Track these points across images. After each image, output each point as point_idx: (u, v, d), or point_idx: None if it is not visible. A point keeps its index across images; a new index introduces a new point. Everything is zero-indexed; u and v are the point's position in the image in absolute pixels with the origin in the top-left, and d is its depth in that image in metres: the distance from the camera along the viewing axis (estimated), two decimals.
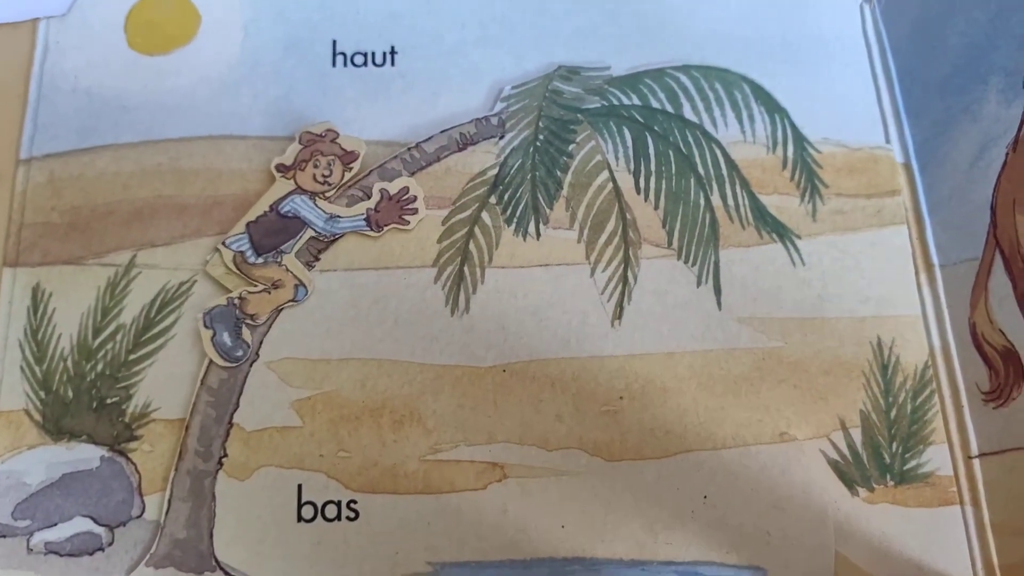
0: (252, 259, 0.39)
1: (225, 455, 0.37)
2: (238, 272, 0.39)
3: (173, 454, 0.37)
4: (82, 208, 0.41)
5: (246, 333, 0.38)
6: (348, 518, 0.37)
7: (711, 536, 0.37)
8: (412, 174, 0.41)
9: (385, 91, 0.43)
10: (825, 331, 0.40)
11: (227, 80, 0.43)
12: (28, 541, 0.37)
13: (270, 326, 0.39)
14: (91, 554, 0.36)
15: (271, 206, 0.40)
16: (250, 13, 0.44)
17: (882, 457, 0.38)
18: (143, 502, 0.37)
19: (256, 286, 0.39)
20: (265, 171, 0.41)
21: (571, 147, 0.42)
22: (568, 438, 0.38)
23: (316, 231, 0.40)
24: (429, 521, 0.37)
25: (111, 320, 0.39)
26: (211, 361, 0.38)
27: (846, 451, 0.39)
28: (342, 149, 0.41)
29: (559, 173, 0.42)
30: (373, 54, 0.44)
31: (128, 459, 0.37)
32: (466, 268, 0.40)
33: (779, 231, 0.41)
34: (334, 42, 0.44)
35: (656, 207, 0.42)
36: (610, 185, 0.42)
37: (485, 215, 0.41)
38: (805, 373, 0.39)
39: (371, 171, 0.41)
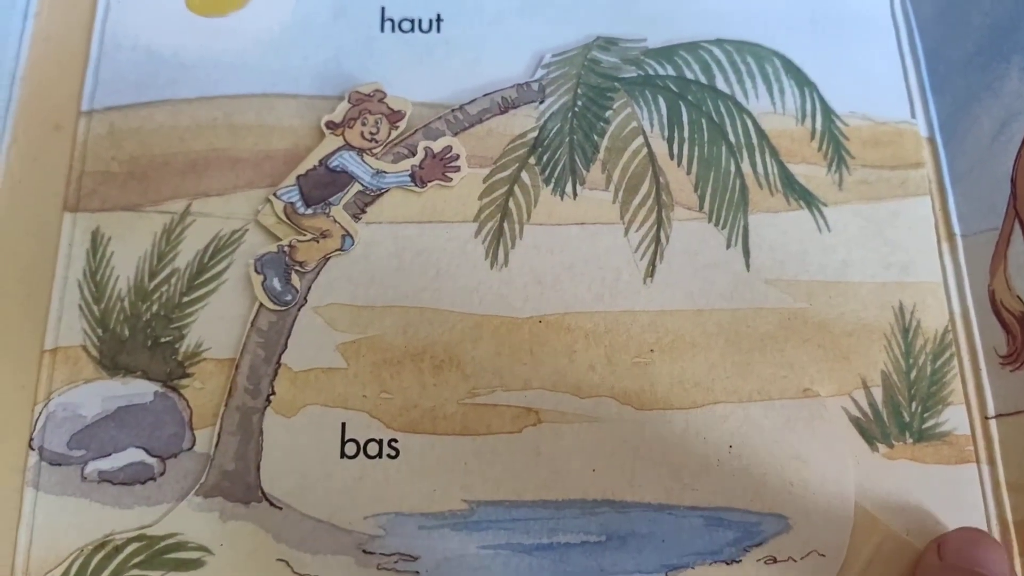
0: (302, 210, 0.41)
1: (273, 393, 0.39)
2: (288, 222, 0.41)
3: (223, 391, 0.39)
4: (140, 158, 0.43)
5: (295, 279, 0.40)
6: (389, 456, 0.38)
7: (735, 484, 0.38)
8: (455, 134, 0.43)
9: (430, 56, 0.45)
10: (849, 294, 0.41)
11: (279, 42, 0.45)
12: (83, 470, 0.38)
13: (318, 273, 0.41)
14: (143, 483, 0.38)
15: (320, 160, 0.42)
16: None
17: (902, 416, 0.40)
18: (193, 435, 0.39)
19: (305, 235, 0.41)
20: (314, 128, 0.43)
21: (608, 113, 0.44)
22: (600, 387, 0.40)
23: (363, 185, 0.41)
24: (466, 461, 0.38)
25: (166, 264, 0.41)
26: (261, 304, 0.40)
27: (867, 409, 0.40)
28: (389, 108, 0.42)
29: (596, 137, 0.44)
30: (420, 21, 0.46)
31: (180, 395, 0.39)
32: (505, 224, 0.42)
33: (806, 198, 0.43)
34: (383, 9, 0.46)
35: (688, 172, 0.43)
36: (645, 150, 0.43)
37: (524, 175, 0.43)
38: (829, 333, 0.41)
39: (416, 130, 0.43)
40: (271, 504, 0.38)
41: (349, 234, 0.41)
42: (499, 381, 0.39)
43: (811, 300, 0.41)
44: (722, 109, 0.44)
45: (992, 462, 0.39)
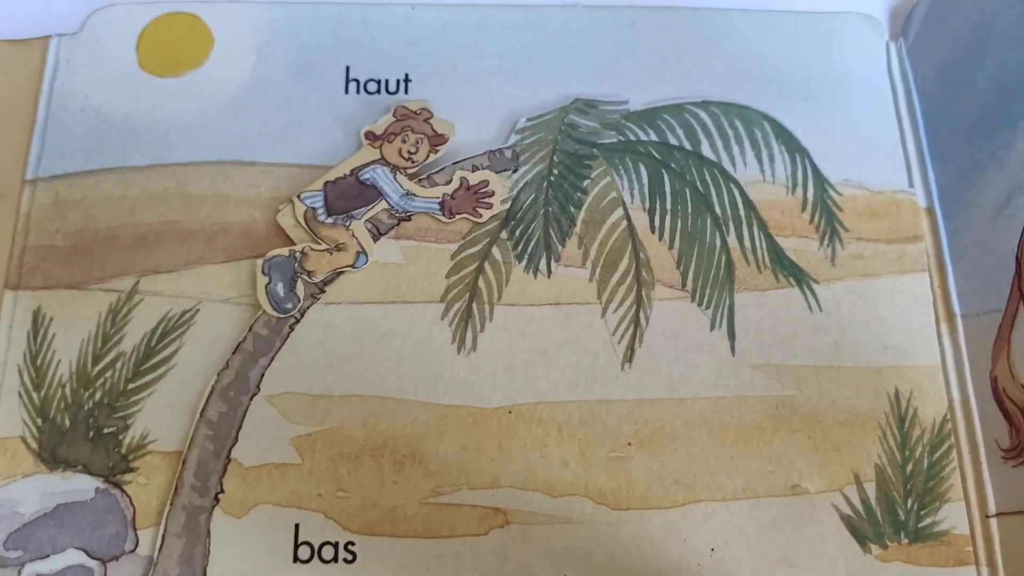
0: (322, 217, 0.39)
1: (222, 491, 0.37)
2: (306, 227, 0.39)
3: (168, 488, 0.37)
4: (86, 231, 0.40)
5: (300, 288, 0.39)
6: (345, 560, 0.36)
7: None
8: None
9: None
10: (841, 380, 0.39)
11: (237, 104, 0.42)
12: (20, 572, 0.36)
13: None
14: None
15: (352, 170, 0.40)
16: (263, 36, 0.44)
17: (896, 513, 0.37)
18: (137, 536, 0.36)
19: (320, 244, 0.39)
20: (272, 198, 0.41)
21: (586, 183, 0.42)
22: (573, 485, 0.37)
23: (390, 204, 0.40)
24: (428, 566, 0.36)
25: (111, 347, 0.38)
26: (211, 393, 0.38)
27: (859, 506, 0.38)
28: (433, 130, 0.41)
29: (572, 209, 0.41)
30: (387, 81, 0.43)
31: (123, 491, 0.37)
32: (474, 305, 0.39)
33: (796, 275, 0.41)
34: (347, 68, 0.44)
35: (671, 247, 0.41)
36: (624, 223, 0.41)
37: (496, 250, 0.40)
38: (819, 423, 0.38)
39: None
40: None
41: (364, 251, 0.39)
42: (465, 479, 0.37)
43: (800, 387, 0.39)
44: (707, 177, 0.42)
45: (992, 564, 0.37)
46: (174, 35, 0.43)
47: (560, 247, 0.40)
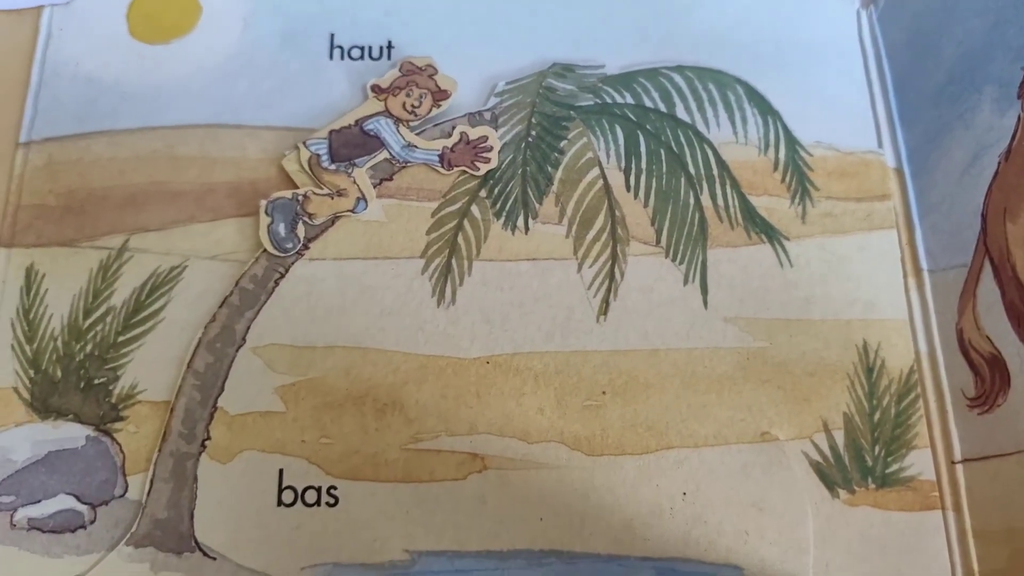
0: (325, 164, 0.41)
1: (208, 438, 0.38)
2: (309, 172, 0.41)
3: (157, 436, 0.38)
4: (78, 192, 0.41)
5: (300, 229, 0.40)
6: (328, 504, 0.37)
7: (688, 534, 0.37)
8: (405, 165, 0.42)
9: None
10: (811, 333, 0.40)
11: (225, 70, 0.44)
12: (12, 516, 0.37)
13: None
14: (73, 531, 0.37)
15: (357, 121, 0.42)
16: (250, 5, 0.45)
17: (864, 460, 0.38)
18: (126, 482, 0.37)
19: (322, 189, 0.41)
20: (258, 160, 0.42)
21: (563, 143, 0.43)
22: (549, 431, 0.38)
23: (391, 154, 0.41)
24: (408, 509, 0.37)
25: (102, 302, 0.40)
26: (198, 345, 0.39)
27: (828, 453, 0.38)
28: (436, 86, 0.42)
29: (550, 169, 0.42)
30: (370, 48, 0.44)
31: (113, 439, 0.38)
32: (454, 260, 0.40)
33: (768, 232, 0.41)
34: (332, 35, 0.45)
35: (646, 205, 0.42)
36: (600, 182, 0.42)
37: (475, 208, 0.41)
38: (789, 374, 0.39)
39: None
40: (204, 554, 0.36)
41: (364, 198, 0.41)
42: (444, 426, 0.38)
43: (771, 339, 0.40)
44: (682, 139, 0.43)
45: (958, 509, 0.38)
46: (163, 4, 0.45)
47: (537, 205, 0.42)
